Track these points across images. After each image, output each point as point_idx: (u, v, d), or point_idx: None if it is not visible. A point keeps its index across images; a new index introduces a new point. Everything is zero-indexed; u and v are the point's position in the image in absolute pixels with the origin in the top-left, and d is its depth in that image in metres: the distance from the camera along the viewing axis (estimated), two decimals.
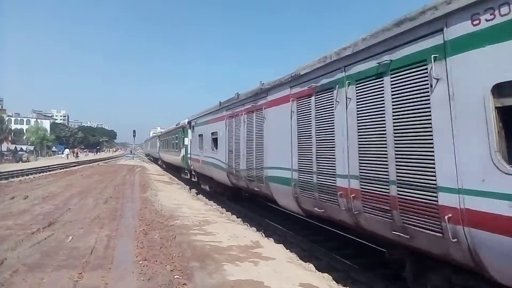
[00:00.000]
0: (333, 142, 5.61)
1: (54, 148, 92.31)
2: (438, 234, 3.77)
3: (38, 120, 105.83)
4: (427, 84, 3.89)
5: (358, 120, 5.02)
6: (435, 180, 3.76)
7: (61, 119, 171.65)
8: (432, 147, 3.80)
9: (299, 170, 6.68)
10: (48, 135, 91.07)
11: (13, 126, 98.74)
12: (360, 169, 4.94)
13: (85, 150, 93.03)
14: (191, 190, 18.84)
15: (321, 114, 5.98)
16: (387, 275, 6.02)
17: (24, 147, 67.09)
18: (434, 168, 3.78)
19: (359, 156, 4.97)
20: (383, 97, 4.54)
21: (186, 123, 18.86)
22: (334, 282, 5.87)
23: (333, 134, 5.63)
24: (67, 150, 63.31)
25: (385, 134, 4.49)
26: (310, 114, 6.30)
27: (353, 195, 5.07)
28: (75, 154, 61.48)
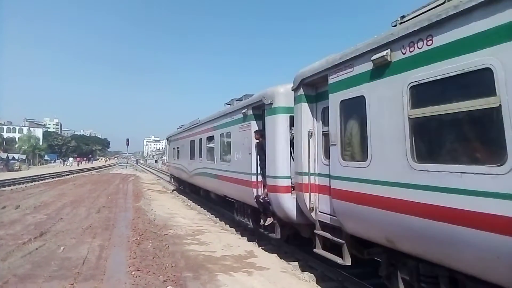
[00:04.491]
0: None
1: (46, 157, 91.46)
2: None
3: (31, 129, 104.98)
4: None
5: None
6: None
7: (54, 128, 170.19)
8: None
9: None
10: (41, 144, 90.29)
11: (5, 135, 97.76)
12: None
13: (84, 159, 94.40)
14: (185, 199, 18.78)
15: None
16: (382, 285, 6.03)
17: (16, 156, 66.36)
18: None
19: None
20: None
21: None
22: None
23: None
24: (71, 159, 73.01)
25: None
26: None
27: None
28: (77, 162, 68.99)
